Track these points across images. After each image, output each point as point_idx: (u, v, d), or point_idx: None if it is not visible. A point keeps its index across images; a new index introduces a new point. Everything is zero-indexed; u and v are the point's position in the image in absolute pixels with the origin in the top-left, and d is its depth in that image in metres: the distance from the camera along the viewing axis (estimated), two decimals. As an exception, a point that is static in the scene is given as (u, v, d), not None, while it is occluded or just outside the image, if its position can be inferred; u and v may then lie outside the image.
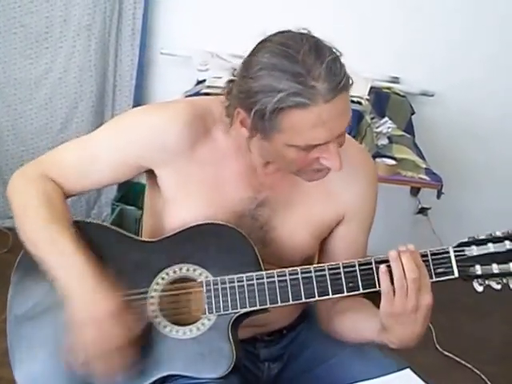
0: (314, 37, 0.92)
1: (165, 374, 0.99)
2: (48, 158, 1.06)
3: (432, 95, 2.50)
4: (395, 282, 0.93)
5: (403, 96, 2.42)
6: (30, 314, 1.03)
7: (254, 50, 0.93)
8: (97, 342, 0.93)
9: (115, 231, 1.05)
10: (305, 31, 0.93)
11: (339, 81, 0.88)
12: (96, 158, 1.03)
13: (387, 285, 0.93)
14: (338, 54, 0.91)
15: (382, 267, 0.94)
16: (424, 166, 2.18)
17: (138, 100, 2.55)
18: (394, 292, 0.92)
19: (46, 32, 2.42)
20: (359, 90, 2.14)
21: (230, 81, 0.98)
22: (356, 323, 1.06)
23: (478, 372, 2.10)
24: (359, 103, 2.09)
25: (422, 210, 2.53)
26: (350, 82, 0.90)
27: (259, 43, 0.94)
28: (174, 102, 1.07)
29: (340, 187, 1.04)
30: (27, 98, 2.50)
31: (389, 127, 2.24)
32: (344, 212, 1.08)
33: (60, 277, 0.95)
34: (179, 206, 1.04)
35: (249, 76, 0.90)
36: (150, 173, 1.06)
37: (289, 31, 0.93)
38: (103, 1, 2.38)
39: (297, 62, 0.87)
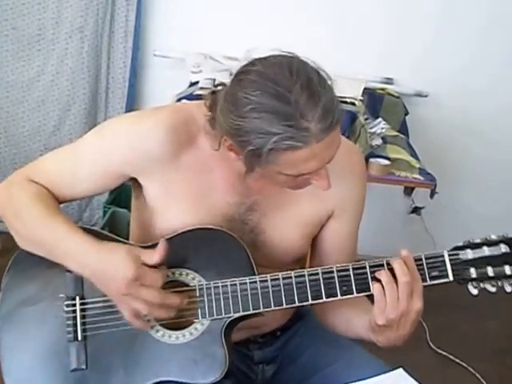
0: (302, 64, 0.89)
1: (157, 379, 0.99)
2: (33, 167, 1.06)
3: (426, 96, 2.50)
4: (385, 285, 0.94)
5: (397, 97, 2.43)
6: (19, 317, 1.02)
7: (239, 80, 0.90)
8: (137, 306, 0.94)
9: (106, 236, 1.05)
10: (290, 54, 0.90)
11: (332, 119, 0.87)
12: (80, 167, 1.02)
13: (379, 289, 0.94)
14: (328, 81, 0.89)
15: (377, 273, 0.95)
16: (418, 165, 2.19)
17: (131, 102, 2.54)
18: (386, 296, 0.93)
19: (38, 34, 2.41)
20: (353, 90, 2.14)
21: (213, 92, 0.97)
22: (348, 318, 1.07)
23: (471, 370, 2.10)
24: (353, 104, 2.10)
25: (416, 210, 2.54)
26: (341, 111, 0.89)
27: (243, 72, 0.90)
28: (157, 109, 1.05)
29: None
30: (19, 101, 2.49)
31: (382, 128, 2.24)
32: (333, 207, 1.08)
33: (71, 264, 0.96)
34: (166, 214, 1.03)
35: (238, 114, 0.88)
36: (135, 182, 1.05)
37: (274, 58, 0.90)
38: (96, 3, 2.37)
39: (289, 103, 0.85)
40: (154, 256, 0.95)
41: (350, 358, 1.09)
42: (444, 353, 2.18)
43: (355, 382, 0.97)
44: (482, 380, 2.07)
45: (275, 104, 0.85)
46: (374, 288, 0.94)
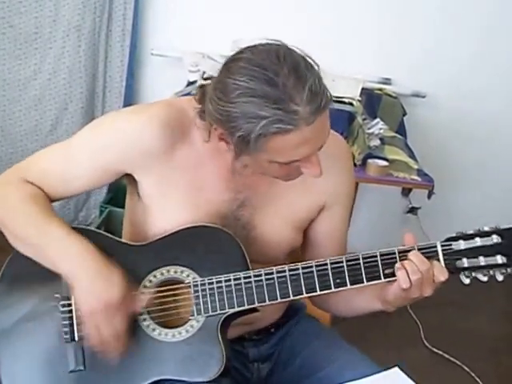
0: (289, 51, 0.90)
1: (155, 378, 0.98)
2: (27, 164, 1.05)
3: (424, 96, 2.50)
4: (411, 275, 0.95)
5: (395, 97, 2.43)
6: (16, 328, 1.01)
7: (228, 67, 0.90)
8: (102, 328, 0.94)
9: (102, 235, 1.04)
10: (277, 42, 0.91)
11: (320, 102, 0.87)
12: (74, 164, 1.02)
13: (405, 278, 0.95)
14: (315, 66, 0.90)
15: (398, 264, 0.97)
16: (416, 166, 2.19)
17: (129, 101, 2.54)
18: (411, 282, 0.95)
19: (35, 32, 2.40)
20: (351, 91, 2.14)
21: (202, 86, 0.98)
22: (349, 298, 1.08)
23: (466, 368, 2.10)
24: (351, 104, 2.09)
25: (412, 210, 2.54)
26: (330, 96, 0.90)
27: (232, 60, 0.91)
28: (150, 104, 1.05)
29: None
30: (16, 99, 2.48)
31: (380, 128, 2.24)
32: (324, 200, 1.09)
33: (61, 265, 0.95)
34: (161, 211, 1.03)
35: (227, 100, 0.88)
36: (131, 180, 1.05)
37: (262, 45, 0.91)
38: (93, 1, 2.37)
39: (277, 87, 0.85)
40: (139, 305, 0.97)
41: (344, 360, 1.10)
42: (439, 351, 2.18)
43: (350, 382, 0.97)
44: (476, 379, 2.07)
45: (263, 88, 0.86)
46: (401, 276, 0.96)
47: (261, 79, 0.86)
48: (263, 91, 0.85)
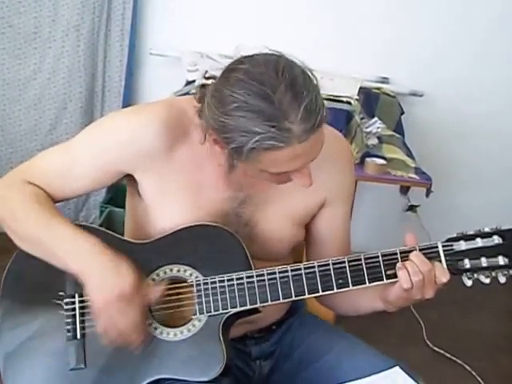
0: (289, 64, 0.89)
1: (156, 377, 0.98)
2: (28, 166, 1.05)
3: (421, 95, 2.51)
4: (412, 276, 0.96)
5: (393, 96, 2.43)
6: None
7: (226, 77, 0.90)
8: (118, 320, 0.94)
9: (105, 233, 1.05)
10: (278, 53, 0.91)
11: (314, 121, 0.87)
12: (75, 165, 1.02)
13: (406, 279, 0.96)
14: (314, 81, 0.90)
15: (399, 264, 0.97)
16: (413, 165, 2.20)
17: (128, 100, 2.54)
18: (412, 283, 0.96)
19: (34, 32, 2.41)
20: (349, 90, 2.15)
21: (203, 85, 0.98)
22: (351, 295, 1.08)
23: (467, 367, 2.11)
24: (349, 103, 2.10)
25: (411, 208, 2.55)
26: (325, 113, 0.90)
27: (231, 70, 0.91)
28: (149, 104, 1.06)
29: (318, 174, 1.03)
30: (16, 99, 2.48)
31: (378, 127, 2.25)
32: (325, 195, 1.10)
33: (71, 264, 0.95)
34: (162, 211, 1.04)
35: (223, 111, 0.89)
36: (131, 179, 1.05)
37: (262, 57, 0.91)
38: (92, 1, 2.38)
39: (273, 103, 0.86)
40: (153, 295, 0.97)
41: (342, 347, 1.10)
42: (441, 350, 2.19)
43: (347, 373, 0.99)
44: (477, 378, 2.08)
45: (259, 104, 0.86)
46: (402, 276, 0.96)
47: (257, 94, 0.86)
48: (259, 107, 0.86)
